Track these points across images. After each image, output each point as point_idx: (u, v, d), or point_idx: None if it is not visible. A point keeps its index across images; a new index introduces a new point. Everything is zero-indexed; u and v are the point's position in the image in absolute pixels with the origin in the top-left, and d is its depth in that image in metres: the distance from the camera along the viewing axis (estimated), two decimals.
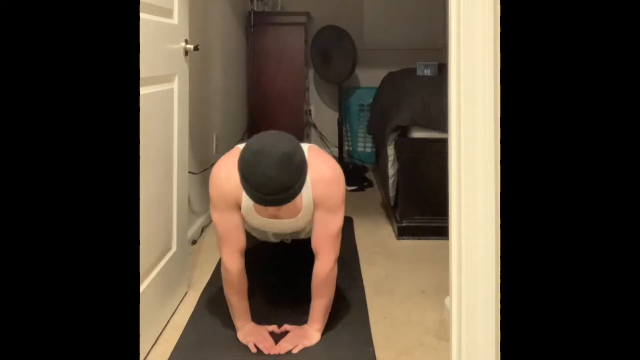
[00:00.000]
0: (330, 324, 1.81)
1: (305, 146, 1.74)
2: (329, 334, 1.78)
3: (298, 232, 2.00)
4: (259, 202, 1.52)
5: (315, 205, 1.72)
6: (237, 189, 1.65)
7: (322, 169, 1.70)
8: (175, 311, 1.96)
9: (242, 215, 1.75)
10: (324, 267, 1.74)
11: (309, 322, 1.78)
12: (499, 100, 1.13)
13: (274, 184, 1.46)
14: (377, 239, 2.73)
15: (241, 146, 1.76)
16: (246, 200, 1.69)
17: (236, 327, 1.79)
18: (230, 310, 1.81)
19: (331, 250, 1.74)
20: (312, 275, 1.77)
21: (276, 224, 1.82)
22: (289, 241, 2.25)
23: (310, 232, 1.83)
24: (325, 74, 4.30)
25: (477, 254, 1.39)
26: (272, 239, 2.14)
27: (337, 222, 1.73)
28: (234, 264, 1.74)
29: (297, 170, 1.50)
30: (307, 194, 1.69)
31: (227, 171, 1.68)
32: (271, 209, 1.68)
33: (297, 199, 1.66)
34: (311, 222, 1.79)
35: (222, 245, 1.75)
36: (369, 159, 4.41)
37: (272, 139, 1.52)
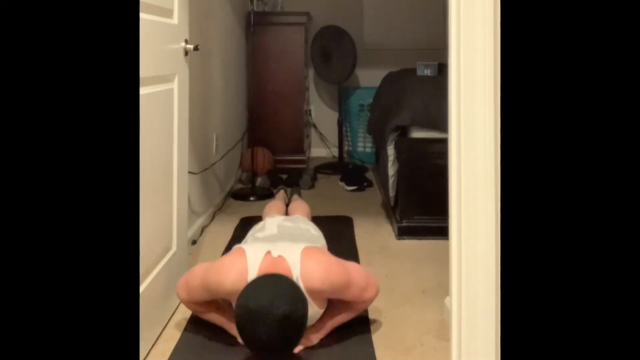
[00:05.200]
0: None
1: (298, 251, 1.69)
2: (328, 334, 1.78)
3: None
4: (255, 351, 1.58)
5: (326, 298, 1.73)
6: (231, 296, 1.67)
7: (312, 278, 1.64)
8: (175, 311, 1.96)
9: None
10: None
11: (315, 325, 1.76)
12: (499, 100, 1.13)
13: (273, 345, 1.50)
14: (377, 239, 2.73)
15: (245, 249, 1.72)
16: None
17: (234, 334, 1.77)
18: (220, 326, 1.80)
19: (367, 294, 1.75)
20: None
21: None
22: None
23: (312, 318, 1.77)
24: (325, 74, 4.30)
25: (477, 254, 1.39)
26: None
27: (355, 287, 1.72)
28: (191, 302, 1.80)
29: (296, 329, 1.52)
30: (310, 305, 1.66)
31: (234, 280, 1.65)
32: None
33: None
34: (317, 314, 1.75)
35: (185, 292, 1.77)
36: (369, 159, 4.41)
37: (269, 297, 1.50)
